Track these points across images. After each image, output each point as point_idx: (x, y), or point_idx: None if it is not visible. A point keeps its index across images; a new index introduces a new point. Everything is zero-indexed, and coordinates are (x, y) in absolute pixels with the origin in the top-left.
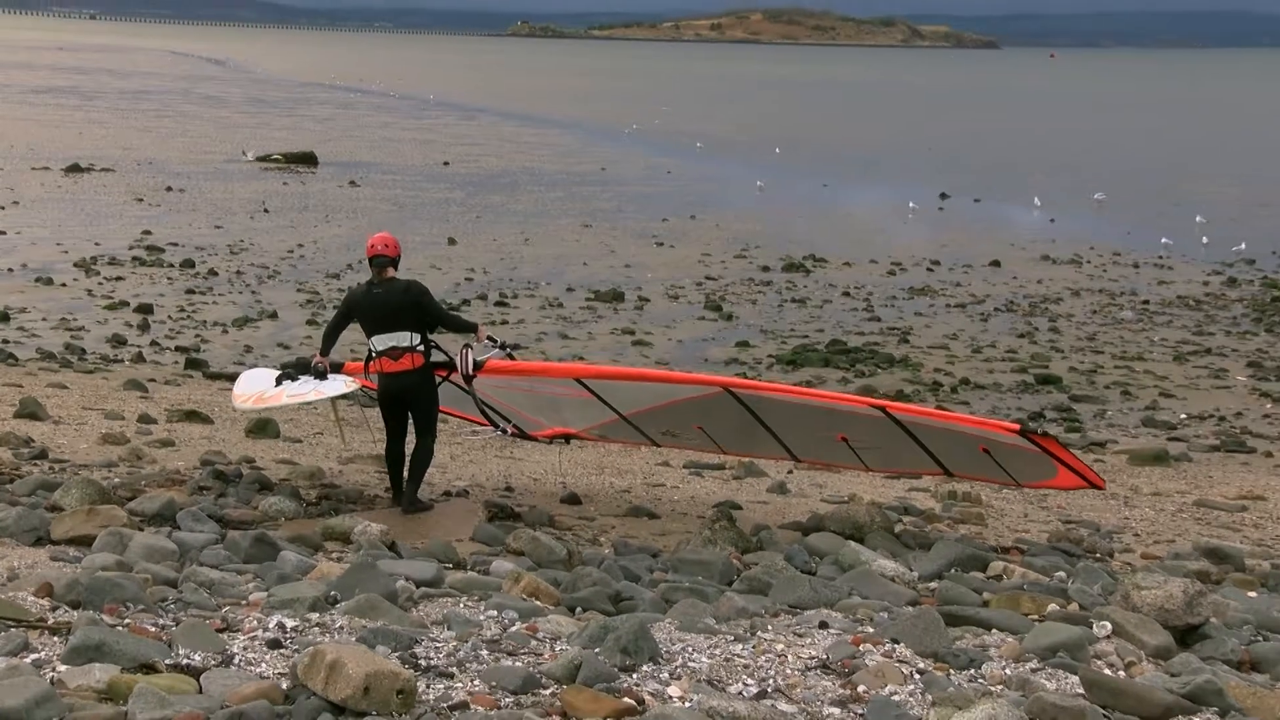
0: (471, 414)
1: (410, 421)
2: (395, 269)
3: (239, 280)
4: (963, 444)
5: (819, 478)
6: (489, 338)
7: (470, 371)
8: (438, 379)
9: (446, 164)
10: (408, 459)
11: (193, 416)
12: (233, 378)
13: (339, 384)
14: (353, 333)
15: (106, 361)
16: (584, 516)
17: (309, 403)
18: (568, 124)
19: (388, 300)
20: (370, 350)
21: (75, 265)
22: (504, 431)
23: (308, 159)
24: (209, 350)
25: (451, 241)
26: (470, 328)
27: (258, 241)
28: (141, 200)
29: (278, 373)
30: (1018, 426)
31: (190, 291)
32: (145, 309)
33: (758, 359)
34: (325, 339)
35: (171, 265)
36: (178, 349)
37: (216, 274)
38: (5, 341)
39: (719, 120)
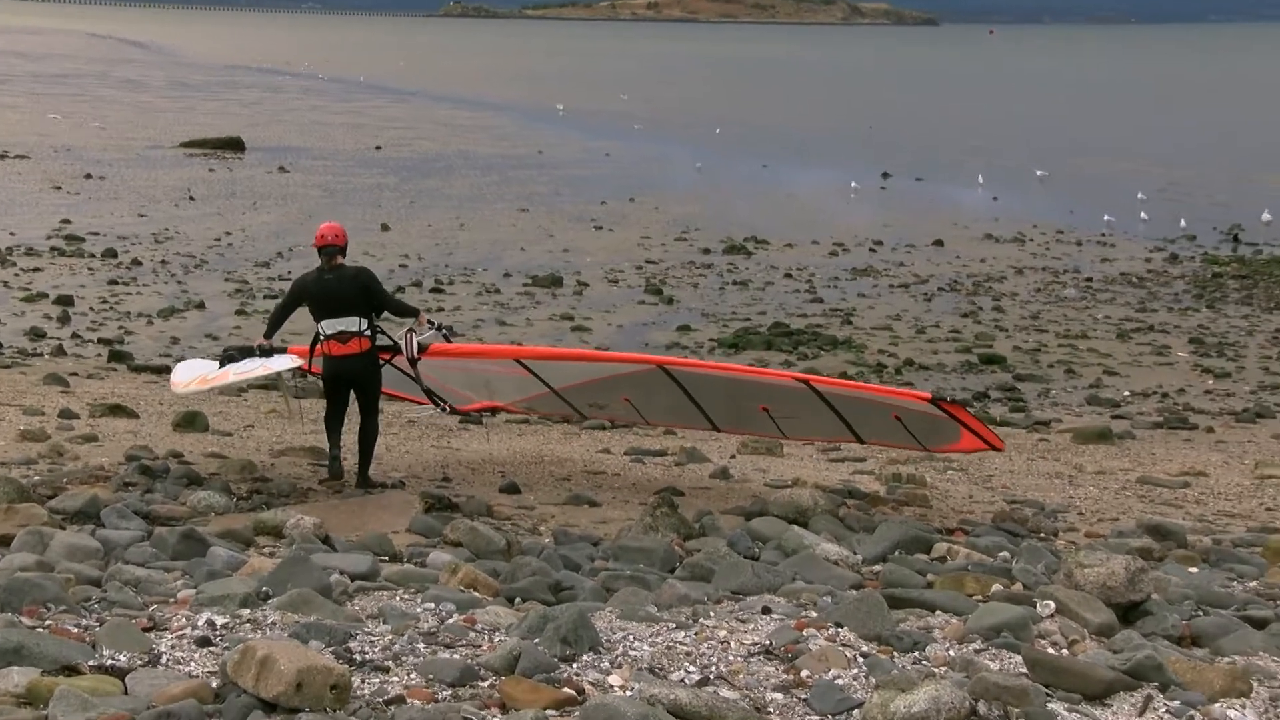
0: (411, 394)
1: (355, 403)
2: (344, 256)
3: (164, 270)
4: (877, 412)
5: (762, 462)
6: (429, 321)
7: (415, 355)
8: (381, 362)
9: (379, 148)
10: (347, 430)
11: (117, 411)
12: (160, 370)
13: (286, 359)
14: (291, 322)
15: (25, 355)
16: (523, 506)
17: (258, 378)
18: (503, 106)
19: (338, 287)
20: (318, 334)
21: None
22: (444, 409)
23: (234, 144)
24: (134, 342)
25: (385, 228)
26: (413, 312)
27: (183, 230)
28: (59, 188)
29: (217, 361)
30: (929, 395)
31: (113, 282)
32: (65, 300)
33: (699, 342)
34: (271, 324)
35: (93, 255)
36: (100, 341)
37: (140, 263)
38: None
39: (658, 101)
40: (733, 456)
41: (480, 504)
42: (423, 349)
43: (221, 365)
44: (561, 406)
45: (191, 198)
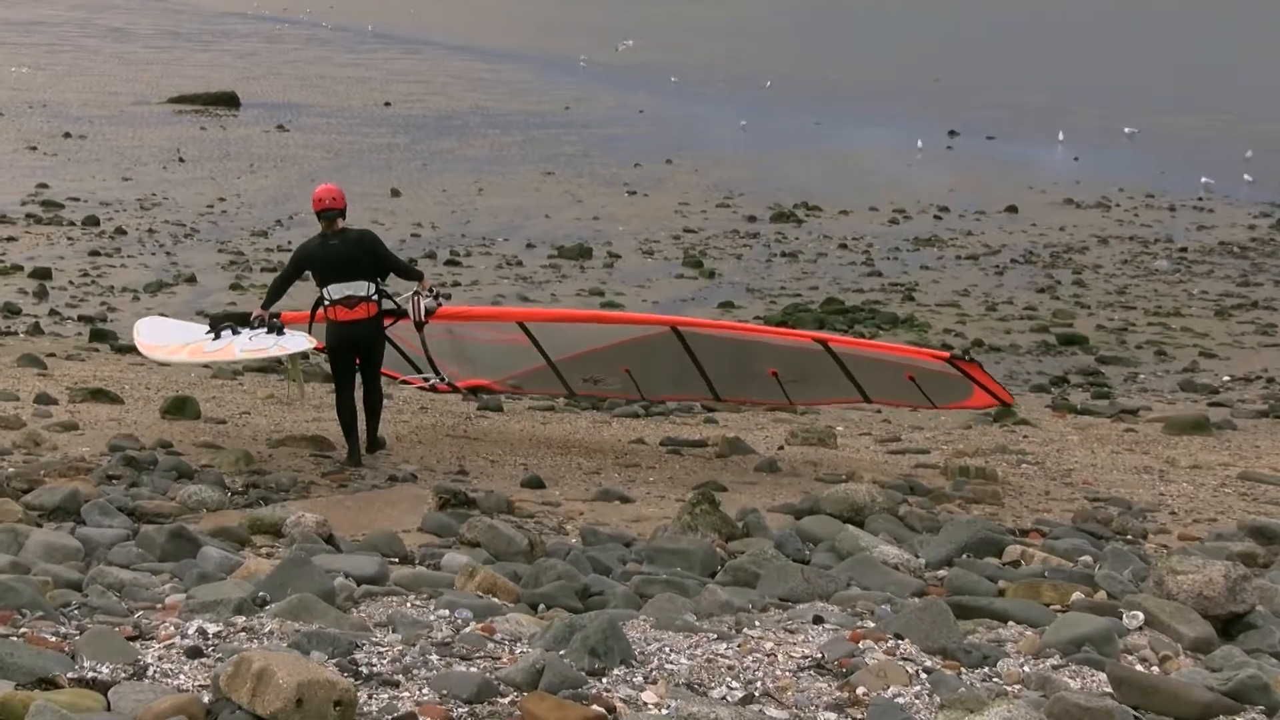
0: (400, 372)
1: (360, 367)
2: (344, 219)
3: (151, 240)
4: (890, 372)
5: (813, 454)
6: (429, 288)
7: (422, 318)
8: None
9: (388, 105)
10: (359, 410)
11: (99, 396)
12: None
13: (301, 339)
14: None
15: None
16: (548, 502)
17: (271, 358)
18: (525, 57)
19: (343, 251)
20: (321, 299)
21: None
22: (443, 379)
23: (228, 100)
24: (117, 320)
25: (395, 193)
26: (418, 275)
27: (173, 195)
28: (35, 149)
29: (207, 328)
30: (947, 354)
31: (95, 253)
32: (42, 273)
33: (742, 319)
34: (272, 293)
35: (72, 223)
36: (81, 319)
37: (125, 233)
38: None
39: (696, 50)
40: (780, 448)
41: (500, 500)
42: (429, 312)
43: (216, 335)
44: (553, 383)
45: (181, 159)
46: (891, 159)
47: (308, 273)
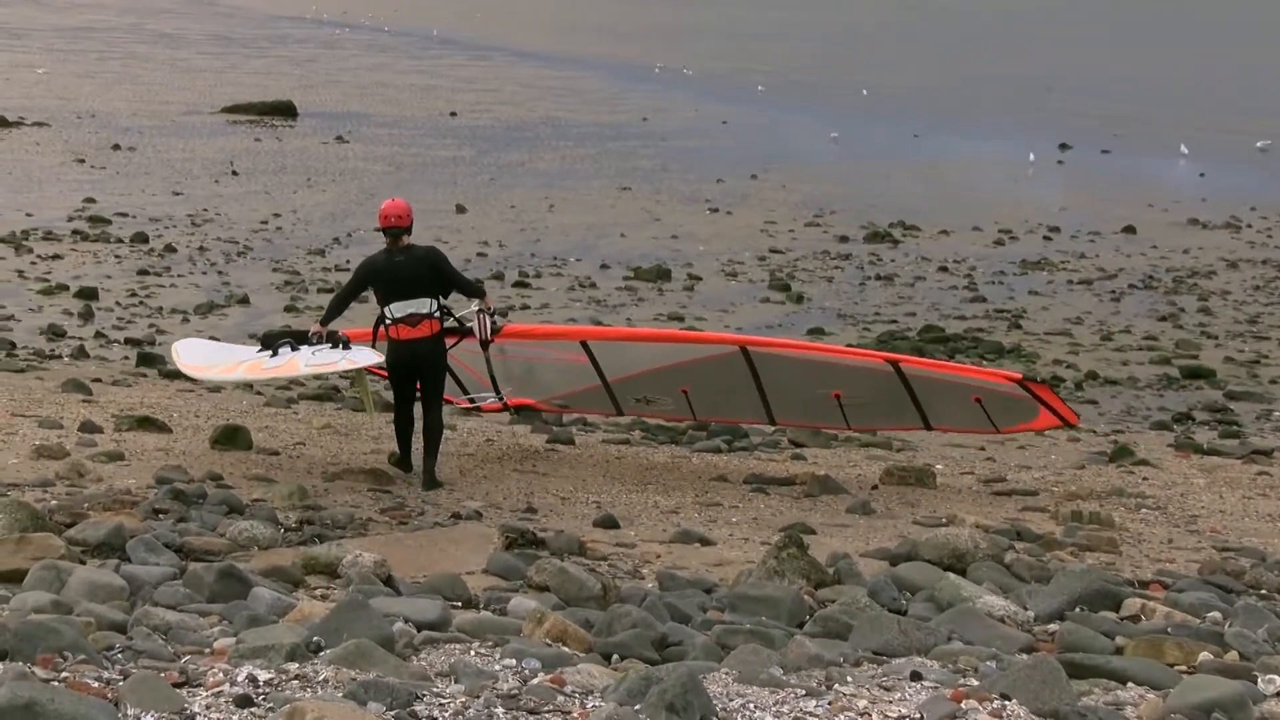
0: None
1: (420, 391)
2: (410, 236)
3: (202, 258)
4: (957, 395)
5: (910, 494)
6: (486, 306)
7: (489, 336)
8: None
9: (454, 115)
10: (417, 425)
11: (147, 424)
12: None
13: (369, 353)
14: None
15: (41, 357)
16: (622, 543)
17: (338, 372)
18: (597, 64)
19: (409, 267)
20: (383, 317)
21: (2, 241)
22: (500, 399)
23: (285, 109)
24: (166, 343)
25: (460, 209)
26: (481, 293)
27: (225, 211)
28: (83, 161)
29: (260, 346)
30: (1019, 376)
31: (143, 272)
32: (88, 293)
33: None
34: (332, 309)
35: (120, 240)
36: (128, 342)
37: (175, 250)
38: None
39: (783, 56)
40: (875, 487)
41: (571, 540)
42: (496, 330)
43: (274, 353)
44: (603, 403)
45: (234, 173)
46: (997, 174)
47: (365, 292)
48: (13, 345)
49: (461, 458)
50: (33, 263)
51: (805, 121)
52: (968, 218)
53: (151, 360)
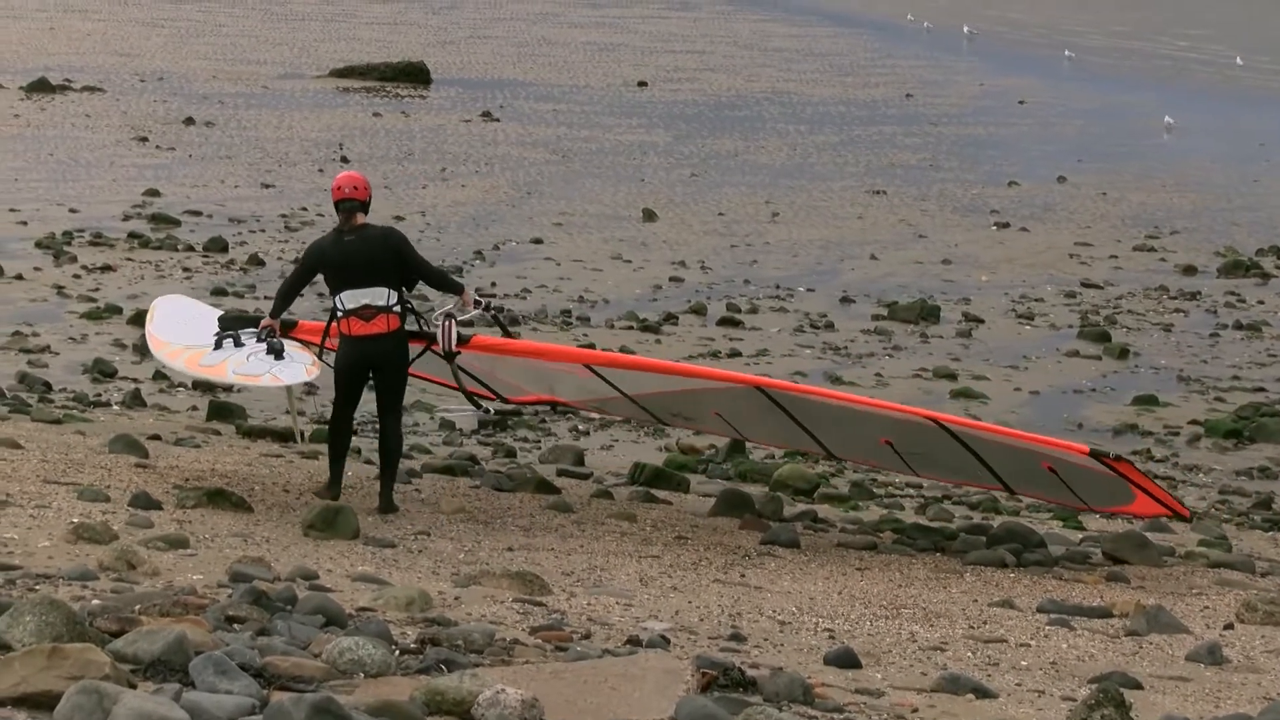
0: (449, 380)
1: (376, 397)
2: (365, 214)
3: None
4: (1023, 459)
5: (1274, 634)
6: (476, 301)
7: (453, 348)
8: (414, 349)
9: (643, 85)
10: (360, 434)
11: (219, 499)
12: (283, 435)
13: (299, 369)
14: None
15: (83, 404)
16: (865, 689)
17: (261, 387)
18: (849, 18)
19: (361, 250)
20: (336, 308)
21: (38, 245)
22: (485, 411)
23: (414, 74)
24: (249, 390)
25: (649, 215)
26: (457, 289)
27: (330, 210)
28: (146, 139)
29: (214, 323)
30: (1087, 448)
31: (220, 291)
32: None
33: (1171, 425)
34: (279, 299)
35: (190, 248)
36: (196, 386)
37: (262, 263)
38: None
39: (1101, 11)
40: (1229, 626)
41: (793, 682)
42: (463, 340)
43: (218, 344)
44: (637, 412)
45: (344, 159)
46: None
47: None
48: (47, 387)
49: (642, 560)
50: (76, 276)
51: (1134, 102)
52: None
53: (228, 412)
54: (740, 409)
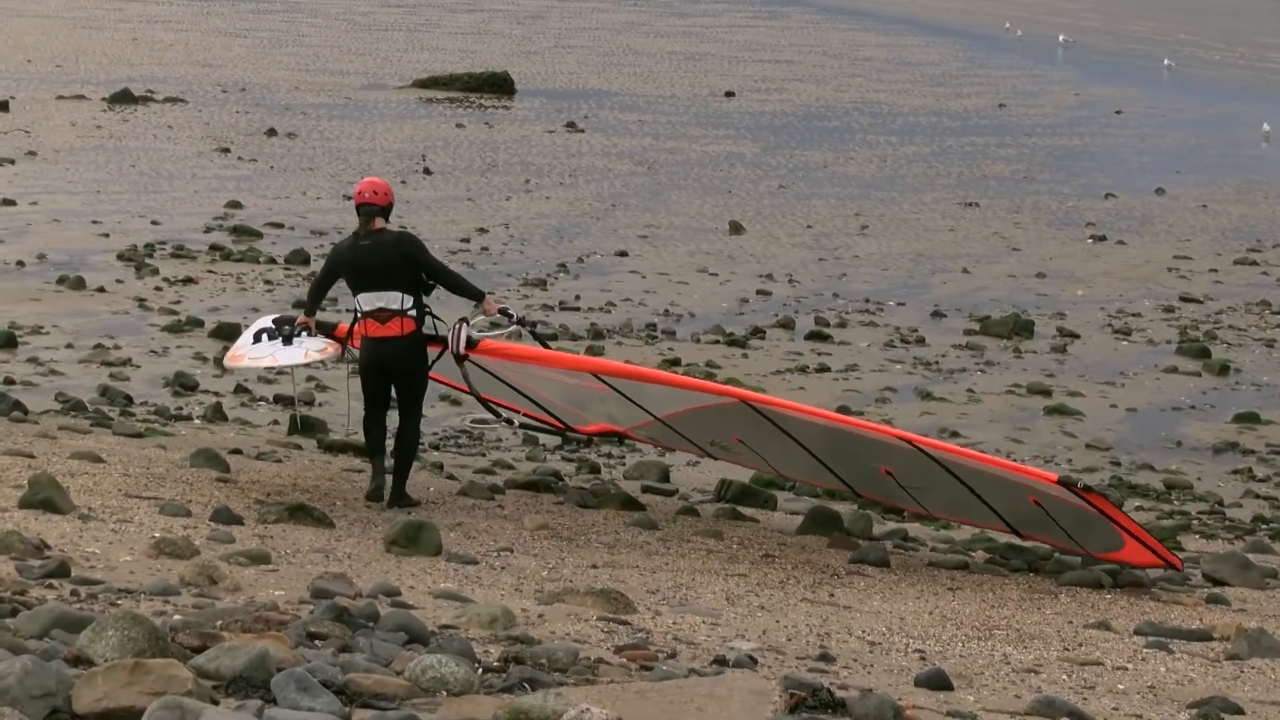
0: (498, 396)
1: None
2: (386, 219)
3: None
4: (1011, 492)
5: None
6: (501, 310)
7: (461, 350)
8: (432, 353)
9: (730, 95)
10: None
11: (301, 515)
12: (363, 450)
13: (297, 352)
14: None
15: (164, 418)
16: (956, 711)
17: (268, 369)
18: (941, 27)
19: (375, 255)
20: (356, 311)
21: (120, 258)
22: (508, 422)
23: (499, 84)
24: (331, 402)
25: (736, 228)
26: (477, 294)
27: (413, 222)
28: (228, 150)
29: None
30: (1055, 477)
31: (301, 304)
32: (229, 332)
33: (1274, 443)
34: (310, 299)
35: (273, 260)
36: (278, 400)
37: None
38: (9, 382)
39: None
40: None
41: (884, 704)
42: (471, 344)
43: (255, 338)
44: (680, 441)
45: (427, 170)
46: None
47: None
48: (129, 400)
49: (728, 579)
50: (158, 288)
51: (1237, 109)
52: None
53: (310, 426)
54: (751, 434)
